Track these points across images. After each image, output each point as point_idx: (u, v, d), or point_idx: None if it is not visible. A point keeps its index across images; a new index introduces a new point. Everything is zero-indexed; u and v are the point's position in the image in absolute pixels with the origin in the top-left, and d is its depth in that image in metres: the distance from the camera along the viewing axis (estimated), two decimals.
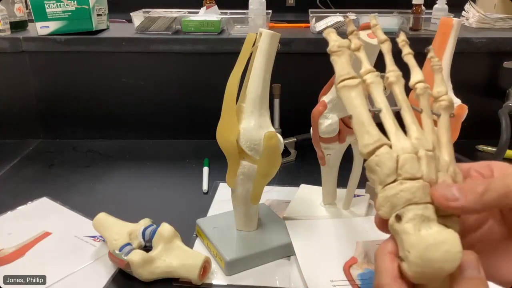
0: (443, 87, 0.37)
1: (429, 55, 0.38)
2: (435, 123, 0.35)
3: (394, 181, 0.31)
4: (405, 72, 0.36)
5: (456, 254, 0.29)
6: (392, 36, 0.38)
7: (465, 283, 0.28)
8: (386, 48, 0.37)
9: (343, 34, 0.36)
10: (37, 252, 0.68)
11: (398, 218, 0.31)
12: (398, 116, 0.34)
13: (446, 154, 0.34)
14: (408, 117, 0.34)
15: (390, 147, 0.32)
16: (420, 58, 0.38)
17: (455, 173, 0.33)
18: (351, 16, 1.10)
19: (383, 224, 0.32)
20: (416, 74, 0.36)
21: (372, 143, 0.32)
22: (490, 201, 0.29)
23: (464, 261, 0.28)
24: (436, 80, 0.37)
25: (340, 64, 0.35)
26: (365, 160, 0.33)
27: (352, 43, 0.37)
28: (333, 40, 0.36)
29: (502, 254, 0.32)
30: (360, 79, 0.35)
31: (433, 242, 0.29)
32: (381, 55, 0.37)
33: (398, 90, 0.35)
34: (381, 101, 0.34)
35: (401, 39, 0.38)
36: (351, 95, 0.34)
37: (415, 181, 0.31)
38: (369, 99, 0.35)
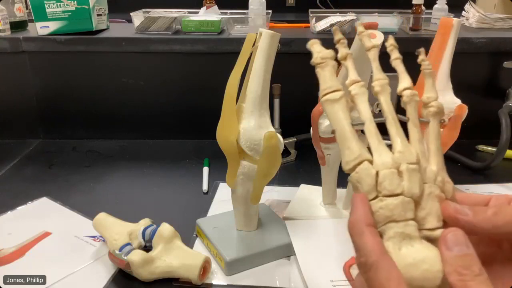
0: (433, 92, 0.36)
1: (419, 59, 0.37)
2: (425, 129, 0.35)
3: (376, 197, 0.31)
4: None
5: (436, 273, 0.28)
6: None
7: (455, 260, 0.28)
8: (373, 56, 0.36)
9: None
10: (37, 252, 0.68)
11: (380, 235, 0.30)
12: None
13: (434, 163, 0.33)
14: (392, 129, 0.33)
15: (372, 162, 0.32)
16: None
17: (443, 182, 0.32)
18: (351, 16, 1.10)
19: None
20: (404, 81, 0.35)
21: (352, 159, 0.32)
22: (499, 223, 0.29)
23: (451, 239, 0.28)
24: (427, 85, 0.36)
25: (323, 77, 0.35)
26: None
27: (339, 52, 0.36)
28: (317, 51, 0.35)
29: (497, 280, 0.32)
30: (343, 92, 0.34)
31: (413, 261, 0.29)
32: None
33: (383, 100, 0.34)
34: (365, 113, 0.34)
35: (390, 43, 0.37)
36: (334, 109, 0.34)
37: (394, 197, 0.30)
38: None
